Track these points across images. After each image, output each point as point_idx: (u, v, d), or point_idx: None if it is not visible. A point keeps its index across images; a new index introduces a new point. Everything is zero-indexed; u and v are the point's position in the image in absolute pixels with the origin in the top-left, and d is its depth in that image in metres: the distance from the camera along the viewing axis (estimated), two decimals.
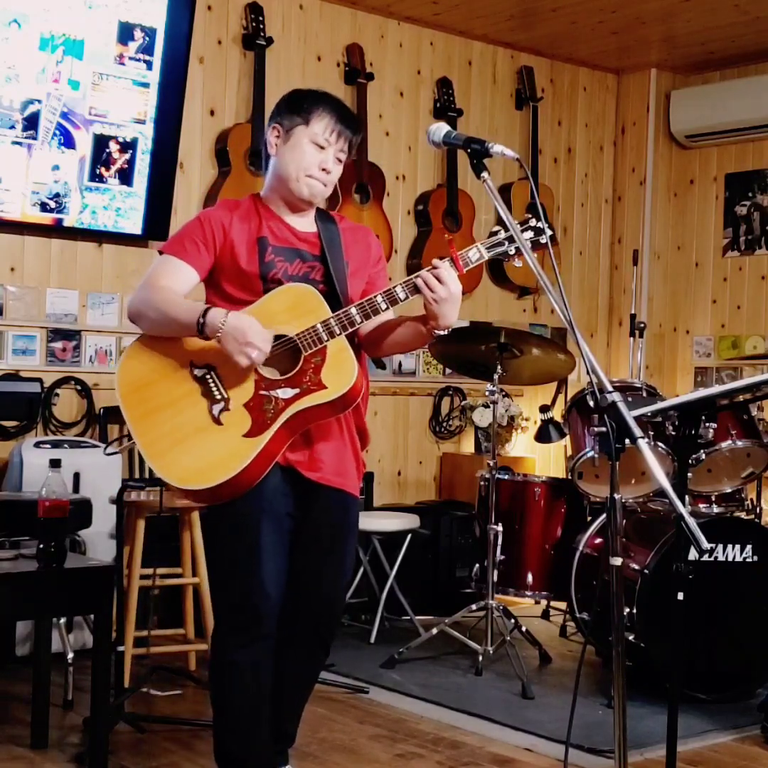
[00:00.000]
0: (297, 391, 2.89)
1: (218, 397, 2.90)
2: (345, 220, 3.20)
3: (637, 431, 2.28)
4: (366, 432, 3.17)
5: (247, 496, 2.89)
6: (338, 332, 2.90)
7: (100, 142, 5.16)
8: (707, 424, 4.14)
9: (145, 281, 3.00)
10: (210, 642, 3.12)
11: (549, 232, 2.95)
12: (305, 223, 3.10)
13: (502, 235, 2.90)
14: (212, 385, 2.91)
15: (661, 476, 2.28)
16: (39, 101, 4.97)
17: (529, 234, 2.92)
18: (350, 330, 2.92)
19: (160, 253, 3.05)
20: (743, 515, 4.93)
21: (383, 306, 2.91)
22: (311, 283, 3.00)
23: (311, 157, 3.00)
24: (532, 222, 2.94)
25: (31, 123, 4.96)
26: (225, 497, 2.89)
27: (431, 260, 2.92)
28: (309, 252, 3.06)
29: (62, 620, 4.34)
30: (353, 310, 2.91)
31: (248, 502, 2.91)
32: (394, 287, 2.90)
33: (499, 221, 2.88)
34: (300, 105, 3.03)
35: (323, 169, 3.01)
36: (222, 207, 3.10)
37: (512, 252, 2.90)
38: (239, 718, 3.04)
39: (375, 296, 2.91)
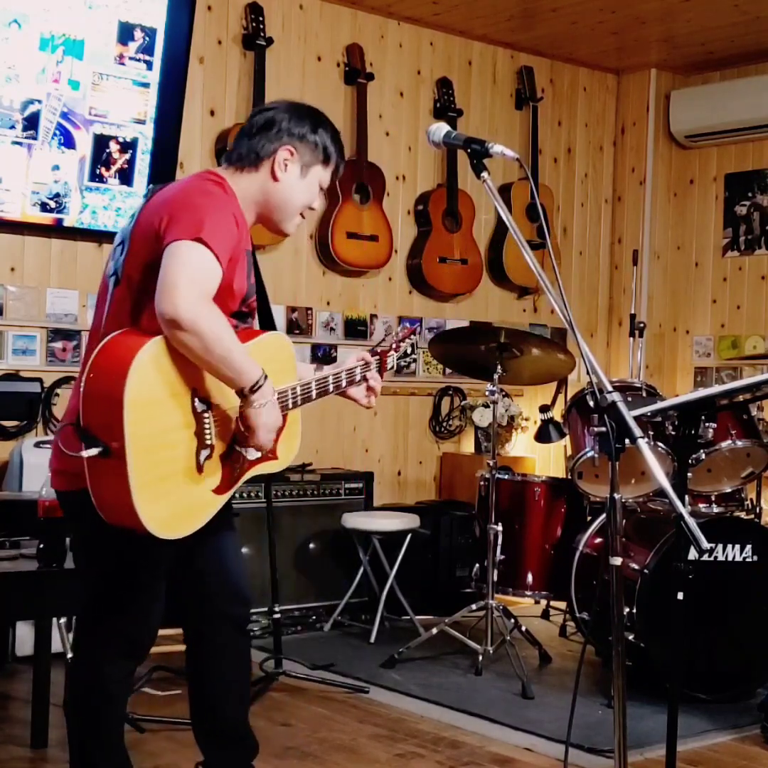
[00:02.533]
0: (259, 455, 2.73)
1: (208, 442, 2.63)
2: None
3: (637, 431, 2.28)
4: None
5: (157, 545, 2.62)
6: (299, 403, 2.83)
7: (100, 142, 5.16)
8: (707, 424, 4.14)
9: (198, 286, 2.50)
10: (74, 663, 2.90)
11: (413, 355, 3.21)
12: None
13: (404, 346, 3.15)
14: (207, 428, 2.63)
15: (661, 476, 2.28)
16: (39, 101, 4.97)
17: (409, 349, 3.17)
18: (305, 404, 2.85)
19: (201, 241, 2.52)
20: (743, 515, 4.94)
21: (331, 389, 2.92)
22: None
23: (312, 198, 2.87)
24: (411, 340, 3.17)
25: (31, 123, 4.96)
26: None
27: (363, 357, 3.02)
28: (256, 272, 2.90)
29: (62, 620, 4.34)
30: (313, 385, 2.86)
31: (157, 551, 2.72)
32: (339, 374, 2.94)
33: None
34: (324, 144, 2.83)
35: (311, 209, 2.90)
36: (233, 198, 2.73)
37: (402, 364, 3.16)
38: (113, 742, 2.92)
39: (327, 377, 2.90)
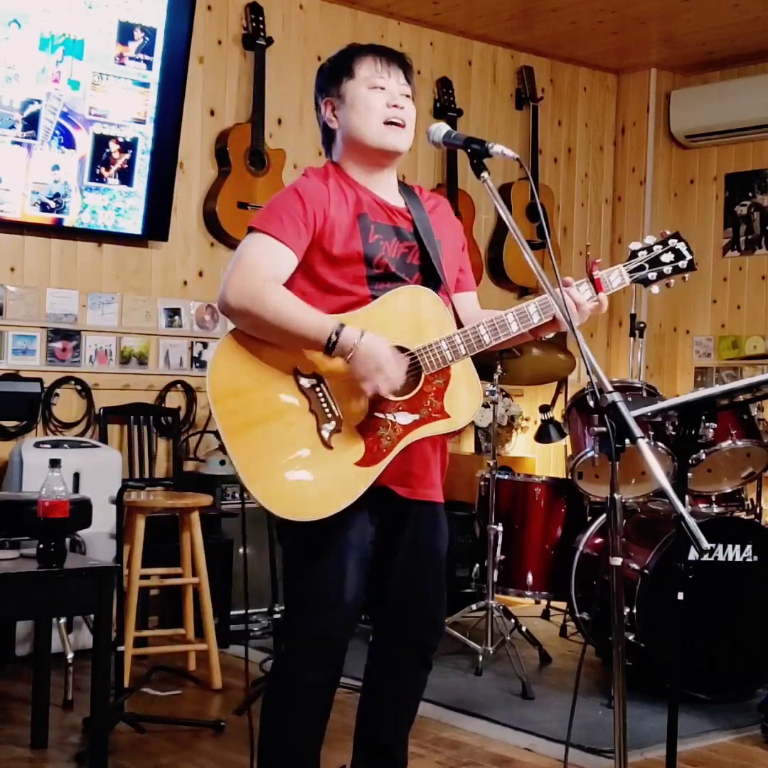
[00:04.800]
0: (416, 417, 2.56)
1: (329, 415, 2.51)
2: (424, 191, 2.85)
3: (637, 431, 2.27)
4: None
5: (335, 526, 2.55)
6: (464, 353, 2.59)
7: (100, 142, 5.16)
8: (707, 424, 4.14)
9: (246, 268, 2.54)
10: (276, 670, 2.80)
11: (689, 256, 2.78)
12: (392, 195, 2.75)
13: (643, 255, 2.76)
14: (322, 400, 2.52)
15: (661, 476, 2.27)
16: (39, 101, 4.97)
17: (670, 257, 2.77)
18: (477, 351, 2.60)
19: (253, 229, 2.60)
20: (743, 515, 4.94)
21: (514, 327, 2.63)
22: (409, 267, 2.69)
23: (376, 101, 2.67)
24: (674, 242, 2.78)
25: (31, 123, 4.97)
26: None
27: (566, 280, 2.66)
28: (405, 229, 2.71)
29: (62, 620, 4.34)
30: (482, 329, 2.60)
31: (336, 534, 2.60)
32: (527, 306, 2.65)
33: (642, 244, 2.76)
34: (336, 68, 2.75)
35: (394, 106, 2.68)
36: (315, 178, 2.69)
37: (653, 277, 2.76)
38: (304, 754, 2.78)
39: (506, 314, 2.63)
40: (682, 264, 2.79)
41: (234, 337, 2.54)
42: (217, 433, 2.52)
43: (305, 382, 2.52)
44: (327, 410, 2.52)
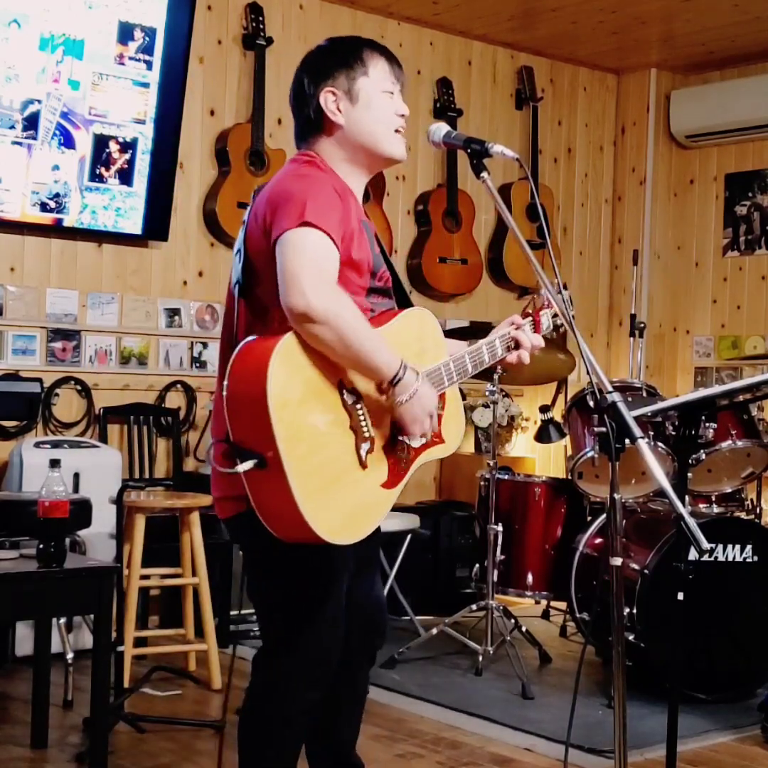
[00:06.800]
0: (424, 440, 2.58)
1: (366, 435, 2.45)
2: None
3: (637, 431, 2.28)
4: None
5: (338, 547, 2.45)
6: (455, 379, 2.65)
7: (100, 142, 5.16)
8: (707, 424, 4.14)
9: (319, 272, 2.34)
10: (268, 693, 2.64)
11: (572, 309, 2.86)
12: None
13: (553, 309, 2.88)
14: (362, 419, 2.44)
15: (661, 476, 2.28)
16: (39, 101, 4.97)
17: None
18: (463, 380, 2.68)
19: (310, 224, 2.37)
20: (743, 515, 4.94)
21: (486, 359, 2.74)
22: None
23: (390, 108, 2.61)
24: (565, 294, 2.82)
25: (31, 123, 4.97)
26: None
27: (514, 321, 2.82)
28: (377, 243, 2.66)
29: (62, 620, 4.34)
30: (467, 359, 2.68)
31: (336, 556, 2.52)
32: (493, 342, 2.78)
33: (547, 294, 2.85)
34: (345, 58, 2.60)
35: (401, 115, 2.63)
36: (330, 173, 2.55)
37: (559, 323, 2.89)
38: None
39: (480, 348, 2.73)
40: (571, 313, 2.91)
41: (294, 339, 2.35)
42: (238, 446, 2.31)
43: (348, 398, 2.42)
44: (364, 430, 2.45)
